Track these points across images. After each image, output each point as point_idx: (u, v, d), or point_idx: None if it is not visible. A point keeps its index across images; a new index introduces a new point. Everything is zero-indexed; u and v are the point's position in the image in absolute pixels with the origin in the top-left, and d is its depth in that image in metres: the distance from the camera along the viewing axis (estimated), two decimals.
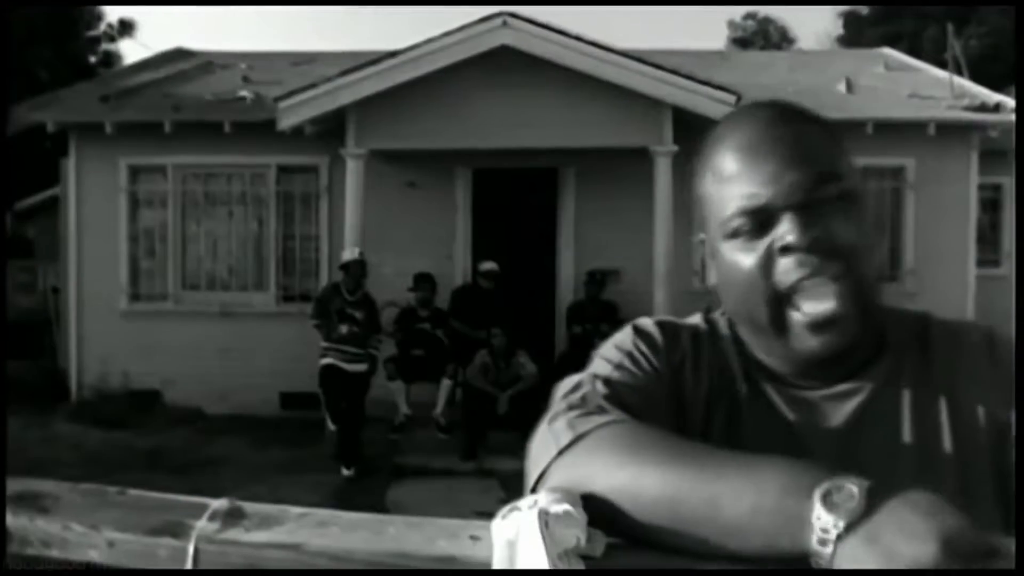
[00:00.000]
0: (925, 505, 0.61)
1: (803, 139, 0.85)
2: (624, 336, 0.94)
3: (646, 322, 0.95)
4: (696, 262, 0.95)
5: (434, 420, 7.38)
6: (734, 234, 0.85)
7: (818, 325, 0.81)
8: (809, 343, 0.82)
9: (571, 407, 0.83)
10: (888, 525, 0.60)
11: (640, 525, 0.71)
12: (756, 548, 0.66)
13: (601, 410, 0.82)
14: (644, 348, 0.91)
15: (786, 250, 0.81)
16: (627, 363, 0.89)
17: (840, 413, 0.87)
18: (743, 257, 0.84)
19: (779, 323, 0.83)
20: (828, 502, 0.63)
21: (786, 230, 0.81)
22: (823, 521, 0.62)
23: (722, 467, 0.71)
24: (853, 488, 0.63)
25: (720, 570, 0.69)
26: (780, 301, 0.83)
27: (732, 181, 0.85)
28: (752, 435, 0.87)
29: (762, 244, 0.83)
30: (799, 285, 0.81)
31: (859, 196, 0.86)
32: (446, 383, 7.42)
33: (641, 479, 0.72)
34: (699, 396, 0.90)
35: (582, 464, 0.76)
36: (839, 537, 0.61)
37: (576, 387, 0.87)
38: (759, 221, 0.83)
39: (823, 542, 0.62)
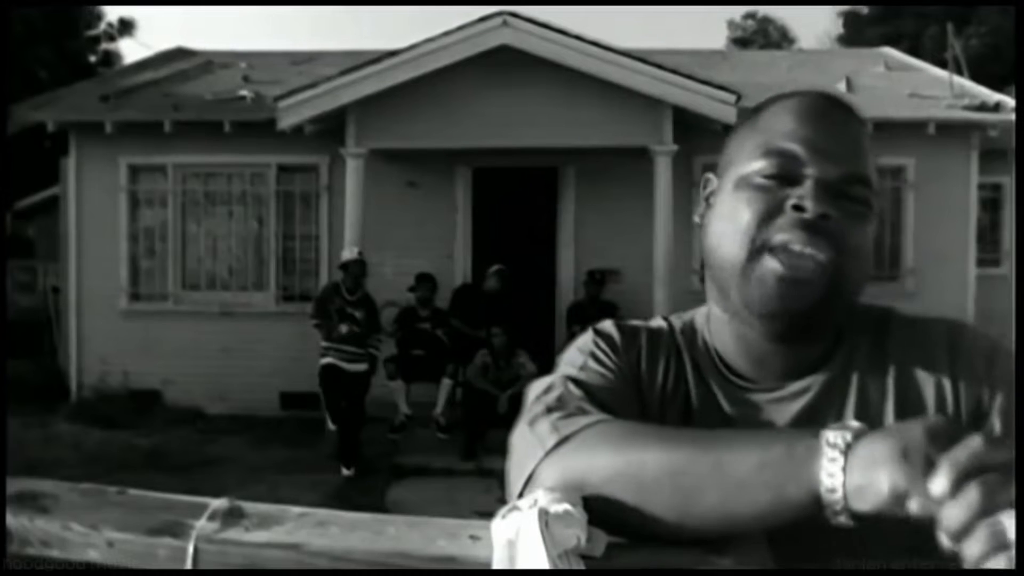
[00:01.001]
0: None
1: (859, 137, 0.87)
2: (585, 339, 0.95)
3: (606, 324, 0.97)
4: (698, 259, 0.96)
5: (434, 420, 7.37)
6: (755, 172, 0.85)
7: (784, 281, 0.81)
8: (771, 294, 0.82)
9: (550, 409, 0.83)
10: (893, 426, 0.66)
11: (644, 508, 0.72)
12: (763, 503, 0.68)
13: (581, 411, 0.82)
14: (605, 348, 0.93)
15: (797, 209, 0.82)
16: (592, 363, 0.91)
17: (786, 414, 0.87)
18: (751, 202, 0.84)
19: (751, 266, 0.83)
20: (835, 428, 0.66)
21: (807, 193, 0.82)
22: (832, 439, 0.65)
23: (724, 436, 0.74)
24: (855, 422, 0.67)
25: (721, 570, 0.69)
26: (763, 248, 0.82)
27: (780, 131, 0.86)
28: None
29: (776, 194, 0.83)
30: (787, 245, 0.81)
31: (874, 215, 0.86)
32: (446, 383, 7.42)
33: (642, 460, 0.73)
34: (653, 395, 0.92)
35: (575, 461, 0.76)
36: (848, 447, 0.64)
37: (549, 389, 0.87)
38: (785, 172, 0.83)
39: (833, 459, 0.64)
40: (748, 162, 0.86)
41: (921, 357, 0.86)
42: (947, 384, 0.84)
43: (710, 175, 0.95)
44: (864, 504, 0.62)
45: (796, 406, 0.87)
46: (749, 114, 0.93)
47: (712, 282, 0.91)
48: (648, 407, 0.90)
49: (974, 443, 0.58)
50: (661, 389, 0.92)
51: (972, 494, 0.56)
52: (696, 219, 0.94)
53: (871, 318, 0.91)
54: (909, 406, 0.84)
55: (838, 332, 0.89)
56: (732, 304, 0.87)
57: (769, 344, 0.87)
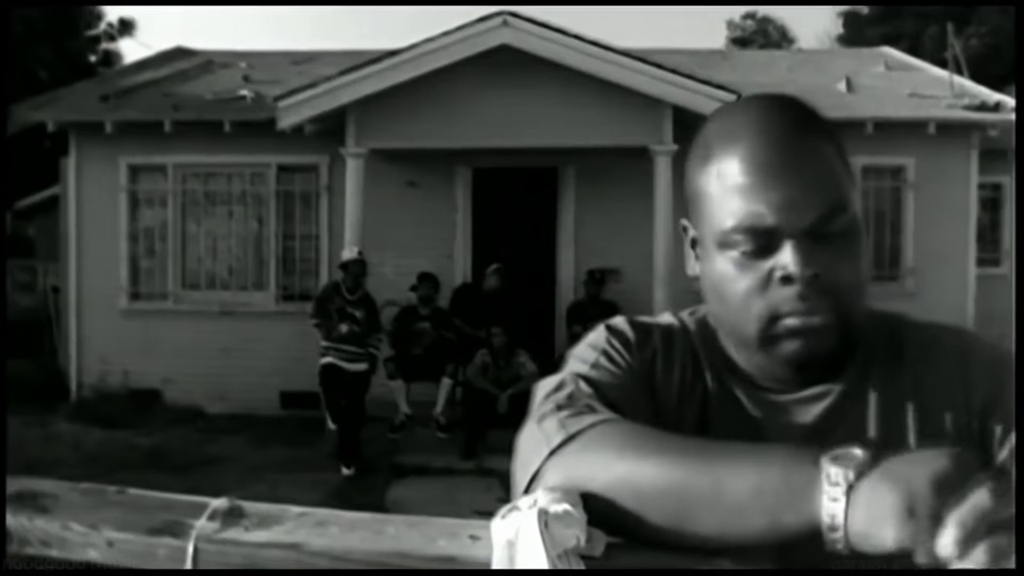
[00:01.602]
0: (927, 450, 0.64)
1: (819, 162, 0.82)
2: (597, 335, 0.94)
3: (618, 321, 0.95)
4: (682, 248, 0.95)
5: (434, 419, 7.37)
6: (731, 245, 0.83)
7: (802, 333, 0.82)
8: (785, 351, 0.83)
9: (559, 407, 0.82)
10: (897, 463, 0.62)
11: (642, 519, 0.71)
12: (760, 529, 0.67)
13: (590, 409, 0.81)
14: (618, 345, 0.91)
15: (786, 280, 0.80)
16: (603, 361, 0.89)
17: (807, 416, 0.87)
18: (739, 276, 0.83)
19: (767, 334, 0.83)
20: (836, 460, 0.64)
21: (789, 261, 0.80)
22: (833, 475, 0.63)
23: (724, 452, 0.72)
24: (857, 450, 0.64)
25: (721, 570, 0.69)
26: (770, 321, 0.82)
27: (739, 192, 0.82)
28: (721, 435, 0.86)
29: (760, 267, 0.82)
30: (791, 316, 0.82)
31: (861, 228, 0.84)
32: (446, 382, 7.41)
33: (642, 471, 0.72)
34: (670, 394, 0.90)
35: (578, 462, 0.76)
36: (850, 487, 0.62)
37: (560, 386, 0.86)
38: (761, 244, 0.81)
39: (834, 498, 0.62)
40: (722, 224, 0.83)
41: (935, 364, 0.87)
42: (960, 391, 0.84)
43: (685, 222, 0.92)
44: (866, 548, 0.61)
45: (818, 408, 0.87)
46: (702, 142, 0.88)
47: (724, 332, 0.91)
48: (663, 407, 0.89)
49: (981, 500, 0.57)
50: (678, 389, 0.90)
51: (979, 558, 0.55)
52: (689, 272, 0.93)
53: (884, 324, 0.91)
54: (927, 412, 0.85)
55: (852, 339, 0.89)
56: (753, 356, 0.87)
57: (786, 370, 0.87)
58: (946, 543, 0.56)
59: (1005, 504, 0.57)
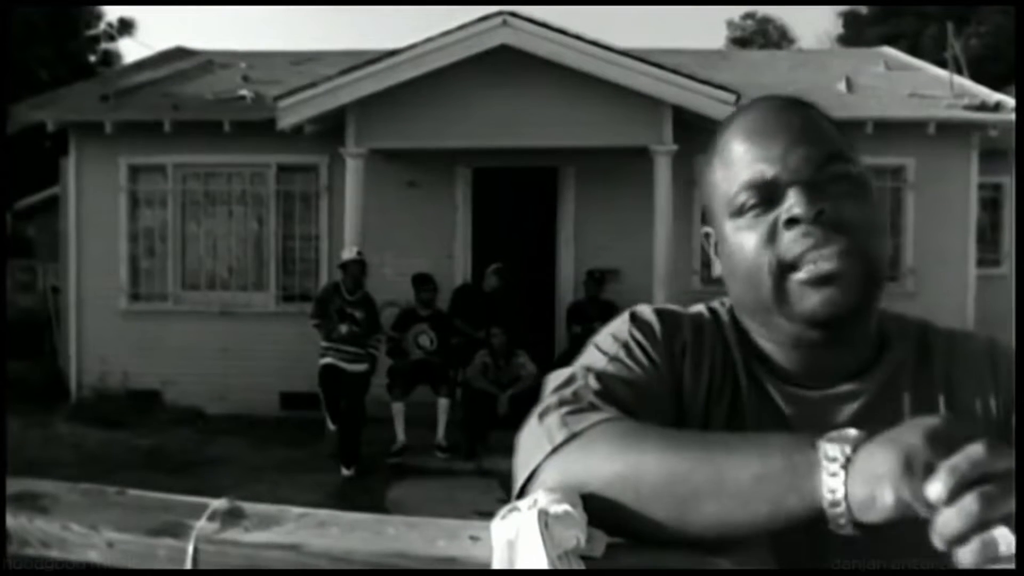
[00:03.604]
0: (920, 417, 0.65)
1: (812, 123, 0.87)
2: (621, 325, 0.92)
3: (644, 310, 0.93)
4: (698, 259, 0.96)
5: (435, 445, 7.06)
6: (740, 211, 0.85)
7: (819, 282, 0.80)
8: (810, 301, 0.81)
9: (562, 403, 0.82)
10: (891, 431, 0.63)
11: (643, 515, 0.71)
12: (763, 516, 0.67)
13: (593, 407, 0.80)
14: (641, 338, 0.89)
15: (792, 222, 0.81)
16: (622, 355, 0.88)
17: (841, 414, 0.86)
18: (748, 234, 0.84)
19: (780, 289, 0.82)
20: (832, 440, 0.65)
21: (793, 203, 0.81)
22: (831, 452, 0.64)
23: (724, 443, 0.72)
24: (853, 430, 0.66)
25: (721, 570, 0.69)
26: (783, 270, 0.82)
27: (740, 161, 0.86)
28: (752, 431, 0.86)
29: (768, 219, 0.83)
30: (804, 256, 0.81)
31: (868, 182, 0.86)
32: (443, 403, 7.17)
33: (641, 466, 0.72)
34: (699, 388, 0.88)
35: (578, 461, 0.76)
36: (848, 460, 0.63)
37: (568, 380, 0.85)
38: (766, 196, 0.83)
39: (833, 473, 0.63)
40: (730, 201, 0.86)
41: (963, 367, 0.88)
42: (989, 392, 0.86)
43: (707, 229, 0.94)
44: (870, 516, 0.62)
45: (851, 407, 0.86)
46: (710, 149, 0.92)
47: (751, 318, 0.90)
48: (691, 402, 0.88)
49: (975, 450, 0.57)
50: (708, 384, 0.89)
51: (968, 503, 0.55)
52: (715, 273, 0.94)
53: (910, 329, 0.92)
54: (957, 413, 0.85)
55: (881, 339, 0.90)
56: (778, 326, 0.86)
57: (819, 347, 0.86)
58: (935, 487, 0.56)
59: (1000, 456, 0.57)
